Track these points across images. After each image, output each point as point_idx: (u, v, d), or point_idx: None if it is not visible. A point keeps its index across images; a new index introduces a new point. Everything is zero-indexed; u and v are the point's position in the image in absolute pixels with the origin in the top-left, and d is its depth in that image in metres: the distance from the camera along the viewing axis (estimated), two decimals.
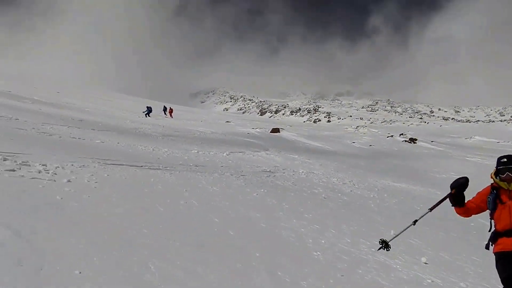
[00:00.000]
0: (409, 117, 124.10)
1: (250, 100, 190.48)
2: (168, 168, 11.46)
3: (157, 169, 10.94)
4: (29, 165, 7.85)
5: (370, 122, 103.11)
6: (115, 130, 19.46)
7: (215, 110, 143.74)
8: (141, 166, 10.73)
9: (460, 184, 5.06)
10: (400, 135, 46.97)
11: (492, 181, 4.94)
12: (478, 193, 5.08)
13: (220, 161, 15.50)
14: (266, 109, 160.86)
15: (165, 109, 46.33)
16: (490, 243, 4.89)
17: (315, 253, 6.73)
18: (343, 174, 18.11)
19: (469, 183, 5.12)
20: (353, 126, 70.03)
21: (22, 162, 7.92)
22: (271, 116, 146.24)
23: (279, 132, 39.17)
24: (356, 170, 20.41)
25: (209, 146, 19.84)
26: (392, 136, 46.48)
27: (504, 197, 4.78)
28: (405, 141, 41.45)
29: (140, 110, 39.71)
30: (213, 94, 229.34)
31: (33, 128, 13.63)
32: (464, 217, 5.24)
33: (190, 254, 5.35)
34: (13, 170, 7.21)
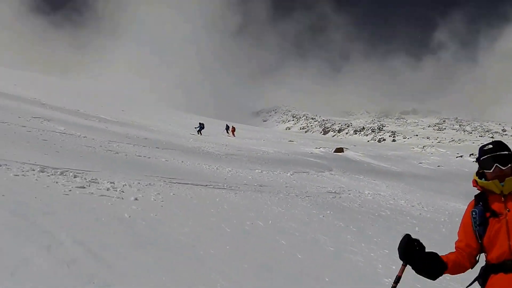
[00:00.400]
0: (479, 136, 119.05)
1: (312, 118, 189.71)
2: (232, 187, 11.47)
3: (222, 188, 10.97)
4: (98, 183, 8.06)
5: (437, 141, 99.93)
6: (179, 148, 19.80)
7: (277, 129, 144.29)
8: (206, 185, 10.79)
9: (403, 251, 3.10)
10: (470, 155, 44.97)
11: (476, 189, 3.27)
12: (462, 219, 3.25)
13: (285, 181, 15.37)
14: (329, 128, 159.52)
15: (227, 127, 46.69)
16: (479, 284, 3.16)
17: (386, 279, 6.42)
18: (411, 196, 17.48)
19: None
20: (419, 146, 68.02)
21: (91, 179, 8.15)
22: (334, 135, 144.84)
23: (343, 151, 38.54)
24: (425, 192, 19.66)
25: (272, 166, 19.77)
26: (461, 156, 44.63)
27: (496, 207, 3.01)
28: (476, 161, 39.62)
29: (207, 130, 40.01)
30: (275, 112, 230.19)
31: (100, 146, 14.07)
32: (464, 270, 3.21)
33: (259, 277, 5.25)
34: (83, 187, 7.42)
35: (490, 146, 3.15)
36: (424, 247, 3.11)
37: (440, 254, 3.17)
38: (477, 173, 3.23)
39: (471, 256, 3.16)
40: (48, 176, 7.61)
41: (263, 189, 12.46)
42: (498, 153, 3.06)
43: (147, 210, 7.00)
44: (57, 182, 7.30)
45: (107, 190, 7.68)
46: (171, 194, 8.74)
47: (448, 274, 3.19)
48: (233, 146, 28.01)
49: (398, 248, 3.13)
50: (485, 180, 3.12)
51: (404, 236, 3.14)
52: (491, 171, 3.06)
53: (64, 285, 3.74)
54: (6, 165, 7.52)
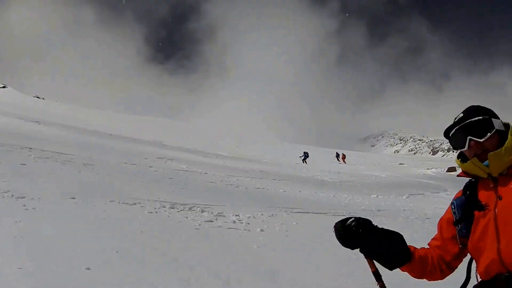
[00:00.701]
0: None
1: (420, 140, 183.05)
2: (352, 214, 11.31)
3: (342, 215, 10.83)
4: (224, 216, 8.38)
5: None
6: (293, 179, 19.88)
7: (386, 153, 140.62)
8: (326, 213, 10.76)
9: (341, 238, 2.14)
10: None
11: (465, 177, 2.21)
12: (443, 215, 2.29)
13: (402, 205, 14.88)
14: (438, 148, 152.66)
15: (337, 155, 47.07)
16: None
17: None
18: None
19: None
20: None
21: (218, 213, 8.49)
22: (444, 155, 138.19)
23: (455, 171, 36.52)
24: None
25: (387, 190, 19.22)
26: None
27: (483, 195, 2.03)
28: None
29: (314, 159, 40.01)
30: (382, 137, 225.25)
31: (221, 181, 14.56)
32: (431, 277, 2.23)
33: None
34: (211, 221, 7.77)
35: (461, 114, 2.15)
36: (368, 222, 2.15)
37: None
38: (459, 155, 2.19)
39: (442, 260, 2.21)
40: (178, 211, 8.08)
41: (381, 213, 12.16)
42: (468, 120, 2.08)
43: (274, 240, 7.15)
44: (187, 217, 7.72)
45: (234, 222, 7.97)
46: (294, 223, 8.82)
47: (409, 275, 2.27)
48: (346, 173, 27.61)
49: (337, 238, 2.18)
50: (468, 161, 2.09)
51: (335, 224, 2.17)
52: (465, 148, 2.08)
53: None
54: (140, 203, 8.10)
